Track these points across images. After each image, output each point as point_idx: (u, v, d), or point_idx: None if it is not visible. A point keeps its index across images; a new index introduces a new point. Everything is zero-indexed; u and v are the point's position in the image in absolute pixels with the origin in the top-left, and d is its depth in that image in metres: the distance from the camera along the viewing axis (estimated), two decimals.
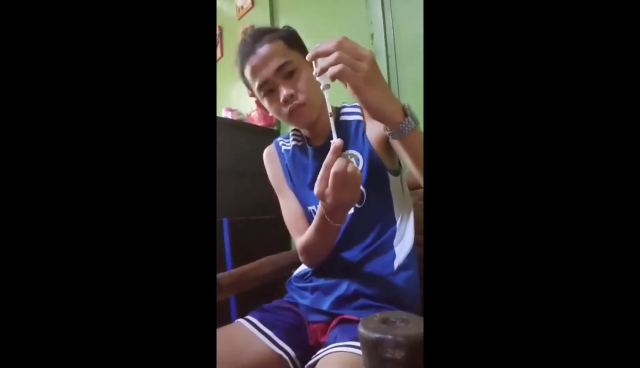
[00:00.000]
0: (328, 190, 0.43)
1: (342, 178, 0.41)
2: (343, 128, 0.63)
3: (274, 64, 0.55)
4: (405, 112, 0.42)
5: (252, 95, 1.89)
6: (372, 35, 1.13)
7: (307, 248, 0.59)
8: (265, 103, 0.61)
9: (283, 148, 0.69)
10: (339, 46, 0.38)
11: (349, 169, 0.41)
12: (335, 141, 0.42)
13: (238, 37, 2.14)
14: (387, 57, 1.08)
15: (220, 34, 1.95)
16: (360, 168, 0.60)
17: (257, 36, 0.57)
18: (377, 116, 0.42)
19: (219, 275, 0.63)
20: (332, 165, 0.42)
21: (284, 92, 0.56)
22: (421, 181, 0.48)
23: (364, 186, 0.58)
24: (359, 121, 0.62)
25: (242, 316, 0.60)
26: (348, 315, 0.53)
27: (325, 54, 0.38)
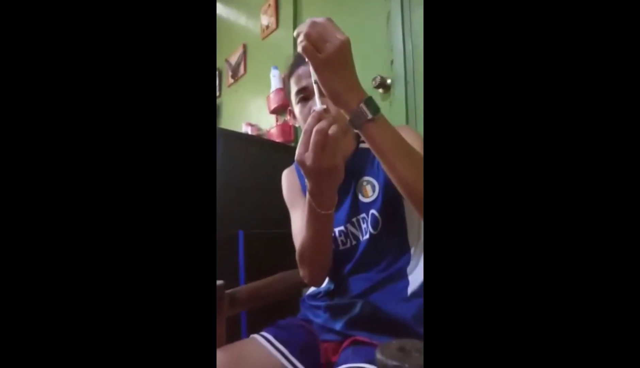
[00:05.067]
0: (309, 152, 0.42)
1: (324, 138, 0.41)
2: (361, 155, 0.65)
3: None
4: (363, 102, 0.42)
5: (273, 112, 1.92)
6: (392, 62, 1.16)
7: (303, 253, 0.59)
8: (296, 109, 0.64)
9: None
10: (312, 25, 0.41)
11: (331, 131, 0.41)
12: (318, 107, 0.43)
13: (261, 56, 2.18)
14: (406, 83, 1.11)
15: (244, 52, 2.03)
16: (375, 195, 0.61)
17: None
18: (334, 100, 0.43)
19: (234, 289, 0.65)
20: (312, 128, 0.41)
21: (317, 104, 0.59)
22: (390, 175, 0.47)
23: (379, 213, 0.60)
24: None
25: (252, 331, 0.61)
26: (360, 336, 0.54)
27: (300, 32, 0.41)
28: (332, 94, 0.43)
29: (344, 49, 0.41)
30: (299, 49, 0.41)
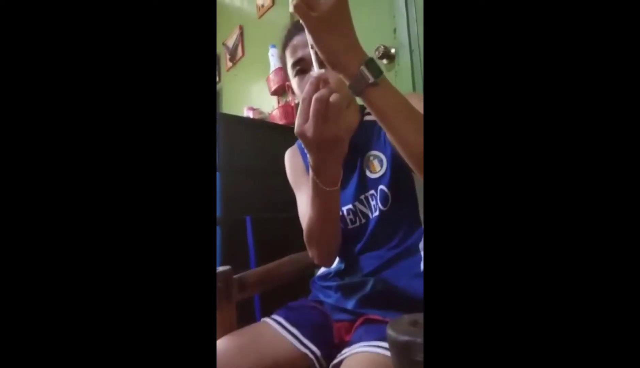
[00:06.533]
0: (308, 123, 0.39)
1: (324, 106, 0.37)
2: (366, 128, 0.62)
3: None
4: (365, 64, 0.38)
5: (274, 93, 1.88)
6: (394, 30, 1.10)
7: (310, 233, 0.56)
8: (294, 83, 0.60)
9: None
10: None
11: (332, 98, 0.37)
12: (315, 72, 0.39)
13: (259, 37, 2.13)
14: (411, 51, 1.06)
15: (241, 34, 1.97)
16: (383, 170, 0.58)
17: None
18: (331, 64, 0.39)
19: (243, 274, 0.64)
20: (311, 97, 0.38)
21: (315, 69, 0.55)
22: (395, 143, 0.43)
23: (388, 189, 0.57)
24: None
25: (266, 314, 0.61)
26: (373, 314, 0.52)
27: None
28: (329, 56, 0.39)
29: (340, 5, 0.37)
30: (291, 8, 0.38)
